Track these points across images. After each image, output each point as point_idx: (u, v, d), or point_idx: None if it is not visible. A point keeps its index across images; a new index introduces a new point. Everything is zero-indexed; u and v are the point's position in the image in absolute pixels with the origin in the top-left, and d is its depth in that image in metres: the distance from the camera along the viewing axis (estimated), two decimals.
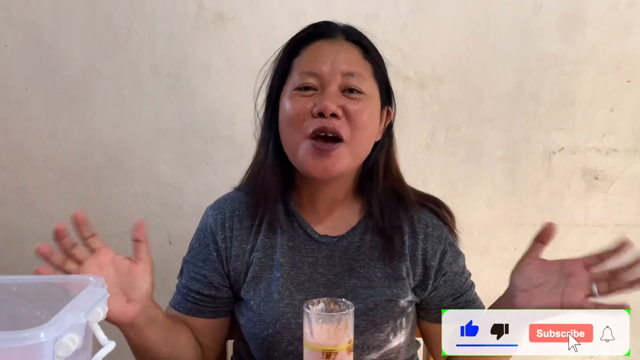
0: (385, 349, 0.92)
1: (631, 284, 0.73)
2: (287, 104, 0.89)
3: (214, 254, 0.95)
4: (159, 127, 1.47)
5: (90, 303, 0.67)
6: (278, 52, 0.96)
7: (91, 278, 0.74)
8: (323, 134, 0.86)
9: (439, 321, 0.97)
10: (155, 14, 1.42)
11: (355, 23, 0.97)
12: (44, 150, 1.46)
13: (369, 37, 0.95)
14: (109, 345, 0.68)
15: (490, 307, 0.90)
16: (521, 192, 1.55)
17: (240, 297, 0.95)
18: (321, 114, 0.85)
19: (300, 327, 0.79)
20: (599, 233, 1.57)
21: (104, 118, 1.46)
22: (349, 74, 0.88)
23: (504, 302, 0.84)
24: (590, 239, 1.57)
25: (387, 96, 0.96)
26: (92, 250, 0.77)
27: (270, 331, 0.89)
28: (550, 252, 1.54)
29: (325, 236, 0.95)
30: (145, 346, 0.85)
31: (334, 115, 0.85)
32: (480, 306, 1.00)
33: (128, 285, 0.78)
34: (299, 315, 0.87)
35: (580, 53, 1.49)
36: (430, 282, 0.96)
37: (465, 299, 0.99)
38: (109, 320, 0.74)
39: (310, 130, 0.86)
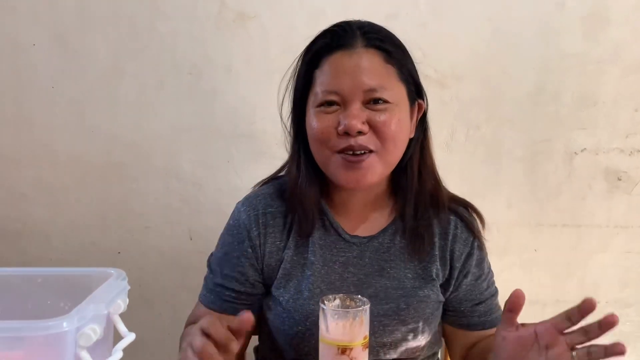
0: (413, 346, 0.93)
1: (606, 350, 0.67)
2: (312, 121, 0.88)
3: (249, 250, 0.94)
4: (180, 125, 1.49)
5: (111, 295, 0.69)
6: (297, 60, 0.93)
7: (112, 271, 0.76)
8: (351, 152, 0.85)
9: (455, 324, 0.98)
10: (177, 14, 1.44)
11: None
12: (69, 147, 1.49)
13: (389, 33, 0.91)
14: (129, 337, 0.70)
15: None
16: (541, 192, 1.53)
17: (269, 292, 0.96)
18: (347, 133, 0.84)
19: None
20: (621, 235, 1.54)
21: (127, 116, 1.48)
22: (371, 90, 0.85)
23: None
24: (613, 240, 1.55)
25: (416, 92, 0.93)
26: None
27: (300, 328, 0.90)
28: (572, 254, 1.54)
29: (356, 236, 0.95)
30: None
31: (360, 132, 0.84)
32: (498, 317, 0.97)
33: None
34: None
35: (603, 52, 1.47)
36: (453, 282, 0.96)
37: (485, 308, 0.97)
38: None
39: (338, 148, 0.86)
